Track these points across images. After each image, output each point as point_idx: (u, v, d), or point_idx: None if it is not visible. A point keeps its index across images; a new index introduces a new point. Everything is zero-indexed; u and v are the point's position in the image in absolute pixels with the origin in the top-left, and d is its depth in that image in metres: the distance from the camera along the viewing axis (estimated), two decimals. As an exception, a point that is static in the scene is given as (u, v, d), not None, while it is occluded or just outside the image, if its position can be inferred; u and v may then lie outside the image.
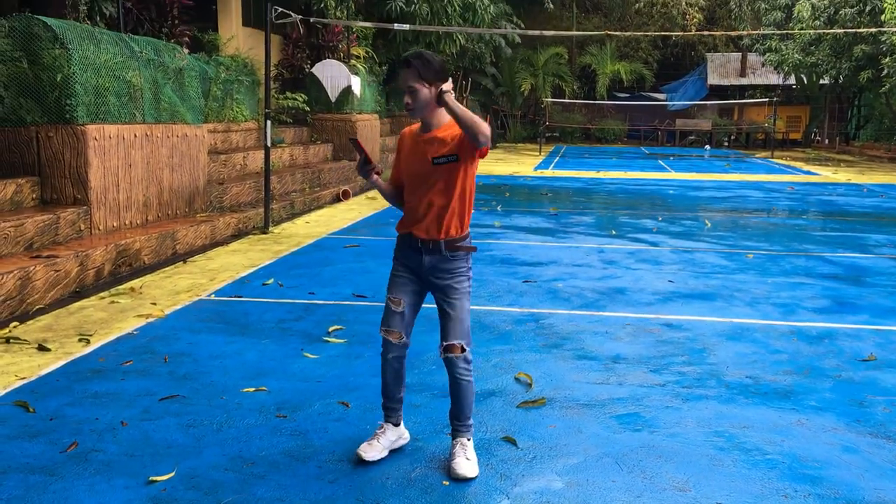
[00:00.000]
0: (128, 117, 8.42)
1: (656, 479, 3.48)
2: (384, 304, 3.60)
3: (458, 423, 3.57)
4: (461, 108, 3.22)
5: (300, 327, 5.77)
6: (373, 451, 3.57)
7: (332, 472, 3.48)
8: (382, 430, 3.66)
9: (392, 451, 3.67)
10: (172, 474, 3.43)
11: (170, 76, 9.31)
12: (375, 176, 3.59)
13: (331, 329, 5.68)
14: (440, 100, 3.31)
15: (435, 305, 3.57)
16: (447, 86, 3.32)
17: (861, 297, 7.05)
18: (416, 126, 3.56)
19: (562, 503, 3.26)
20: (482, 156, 3.37)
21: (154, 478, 3.40)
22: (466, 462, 3.48)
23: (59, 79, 7.60)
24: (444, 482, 3.41)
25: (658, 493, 3.36)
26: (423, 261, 3.48)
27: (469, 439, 3.57)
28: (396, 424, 3.70)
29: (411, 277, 3.55)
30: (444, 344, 3.49)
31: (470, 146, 3.32)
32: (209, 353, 5.13)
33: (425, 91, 3.34)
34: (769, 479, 3.50)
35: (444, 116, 3.42)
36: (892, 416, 4.24)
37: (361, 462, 3.55)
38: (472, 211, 3.57)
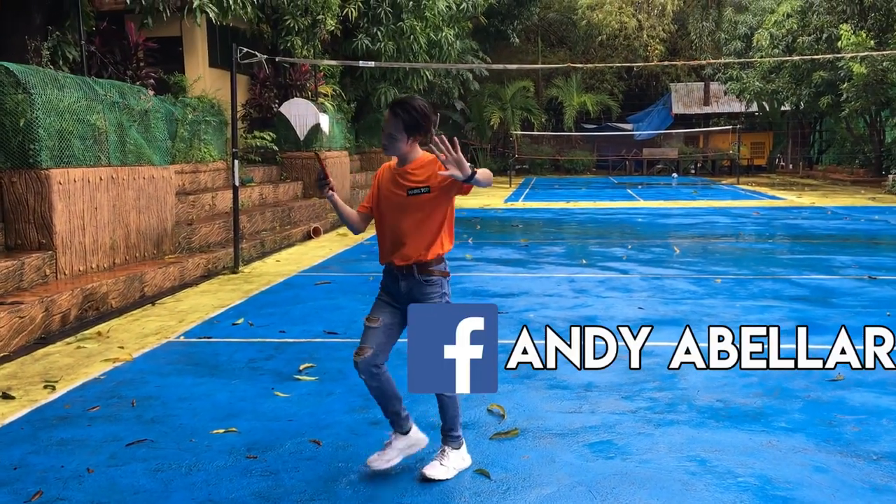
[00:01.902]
0: (93, 160, 8.37)
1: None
2: (363, 329, 3.73)
3: (444, 434, 3.81)
4: (483, 177, 3.49)
5: (271, 366, 5.72)
6: (380, 461, 3.75)
7: (303, 512, 3.43)
8: (390, 441, 3.82)
9: (365, 488, 3.63)
10: (140, 520, 3.37)
11: (135, 118, 9.29)
12: (331, 192, 3.73)
13: (302, 367, 5.63)
14: (470, 179, 3.45)
15: None
16: (478, 172, 3.49)
17: (828, 317, 7.14)
18: (394, 161, 3.75)
19: (536, 534, 3.24)
20: (464, 192, 3.58)
21: (121, 525, 3.33)
22: (439, 466, 3.72)
23: (21, 124, 7.55)
24: (417, 518, 3.37)
25: (632, 520, 3.35)
26: (401, 287, 3.68)
27: (454, 448, 3.79)
28: (405, 433, 3.82)
29: (391, 302, 3.74)
30: None
31: (448, 186, 3.58)
32: (178, 395, 5.07)
33: (403, 143, 3.60)
34: (741, 501, 3.50)
35: (418, 153, 3.66)
36: (862, 435, 4.28)
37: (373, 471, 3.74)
38: (453, 240, 3.80)
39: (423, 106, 3.62)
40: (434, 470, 3.71)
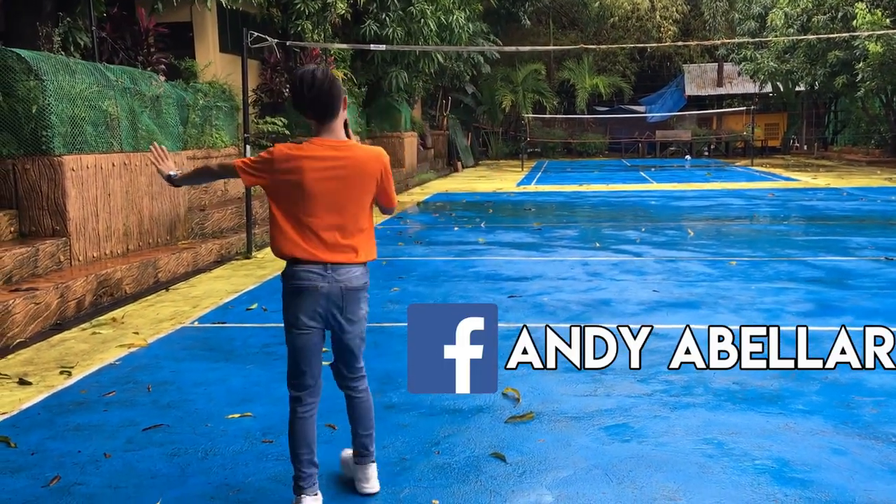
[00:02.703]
0: (105, 146, 8.37)
1: (646, 489, 3.45)
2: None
3: (367, 447, 3.49)
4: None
5: (285, 351, 5.70)
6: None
7: (319, 496, 3.43)
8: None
9: (379, 472, 3.62)
10: (157, 505, 3.38)
11: (147, 104, 9.28)
12: None
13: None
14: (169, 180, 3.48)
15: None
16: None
17: (844, 299, 7.08)
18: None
19: (552, 517, 3.23)
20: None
21: (138, 509, 3.34)
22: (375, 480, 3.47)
23: (34, 110, 7.55)
24: (434, 501, 3.37)
25: (648, 503, 3.33)
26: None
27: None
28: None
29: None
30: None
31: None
32: (193, 380, 5.08)
33: None
34: (759, 484, 3.48)
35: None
36: (880, 417, 4.25)
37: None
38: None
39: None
40: (375, 483, 3.47)
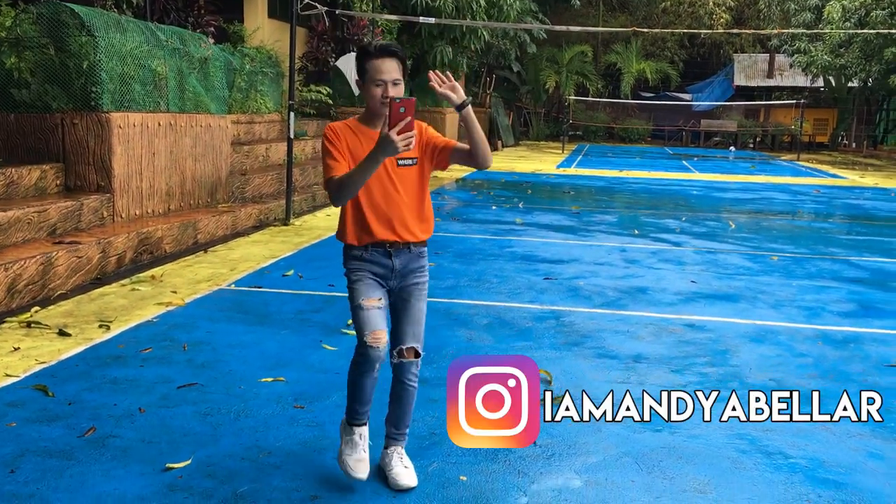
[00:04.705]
0: (152, 106, 8.44)
1: (676, 480, 3.42)
2: (359, 314, 3.21)
3: (395, 430, 3.38)
4: (479, 127, 3.14)
5: (319, 319, 5.75)
6: (365, 467, 3.28)
7: (348, 464, 3.45)
8: (361, 436, 3.33)
9: (408, 446, 3.63)
10: (189, 462, 3.42)
11: (195, 66, 9.33)
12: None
13: (350, 321, 5.64)
14: (463, 111, 3.06)
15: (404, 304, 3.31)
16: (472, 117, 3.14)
17: (888, 301, 6.93)
18: (350, 122, 3.22)
19: (580, 501, 3.22)
20: (442, 167, 3.30)
21: (170, 465, 3.39)
22: (405, 470, 3.31)
23: (85, 66, 7.63)
24: (462, 477, 3.37)
25: (678, 494, 3.30)
26: (394, 264, 3.22)
27: (403, 447, 3.40)
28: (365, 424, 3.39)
29: (380, 283, 3.26)
30: (402, 348, 3.26)
31: (435, 156, 3.22)
32: (228, 342, 5.13)
33: (402, 86, 3.14)
34: (792, 483, 3.43)
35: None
36: (920, 423, 4.15)
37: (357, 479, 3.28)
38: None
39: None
40: (408, 476, 3.30)
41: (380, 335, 3.15)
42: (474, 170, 3.49)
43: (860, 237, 10.81)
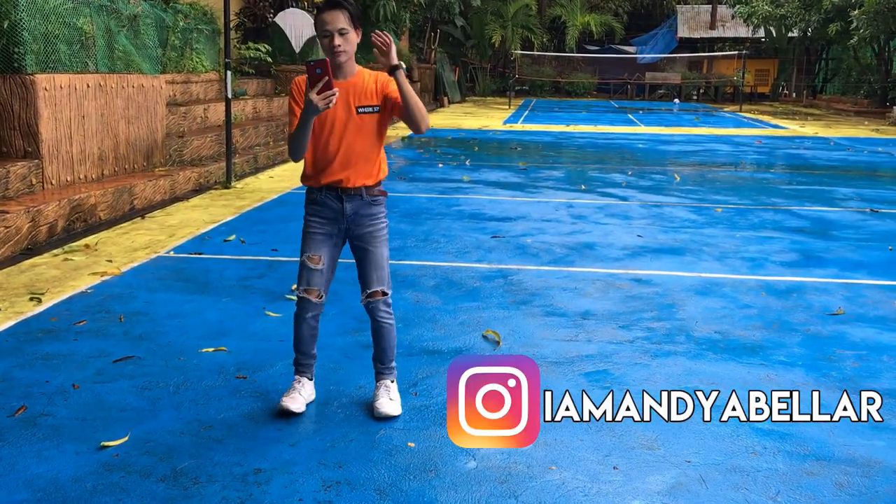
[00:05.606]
0: (80, 66, 8.07)
1: (625, 437, 3.41)
2: (299, 264, 3.55)
3: (381, 365, 3.63)
4: (413, 92, 3.29)
5: (262, 285, 5.61)
6: (297, 403, 3.52)
7: (293, 435, 3.36)
8: (301, 383, 3.61)
9: (356, 412, 3.56)
10: (126, 439, 3.29)
11: (124, 23, 8.94)
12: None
13: (294, 287, 5.51)
14: (394, 74, 3.28)
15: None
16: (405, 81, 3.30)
17: (829, 250, 7.04)
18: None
19: (529, 462, 3.19)
20: (396, 114, 3.41)
21: (106, 443, 3.26)
22: (390, 402, 3.55)
23: (5, 25, 7.23)
24: (410, 443, 3.31)
25: (627, 451, 3.30)
26: (346, 209, 3.45)
27: (392, 381, 3.63)
28: (311, 379, 3.67)
29: (329, 231, 3.51)
30: (368, 291, 3.52)
31: (391, 105, 3.36)
32: (167, 312, 4.96)
33: (353, 35, 3.34)
34: (738, 436, 3.45)
35: (354, 66, 3.41)
36: (861, 371, 4.22)
37: (288, 413, 3.49)
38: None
39: None
40: (391, 406, 3.54)
41: (312, 291, 3.50)
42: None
43: (801, 186, 10.98)
